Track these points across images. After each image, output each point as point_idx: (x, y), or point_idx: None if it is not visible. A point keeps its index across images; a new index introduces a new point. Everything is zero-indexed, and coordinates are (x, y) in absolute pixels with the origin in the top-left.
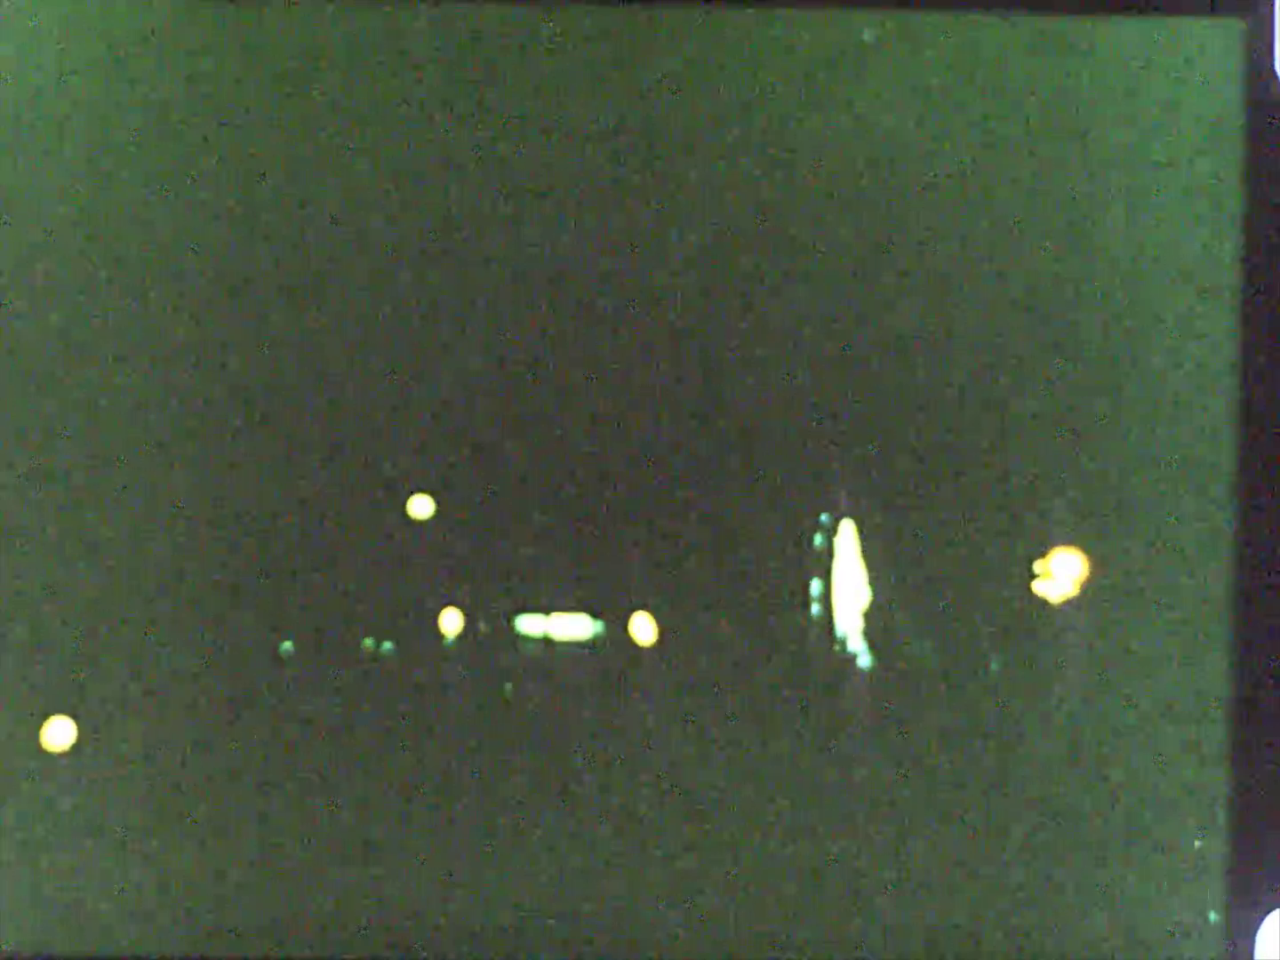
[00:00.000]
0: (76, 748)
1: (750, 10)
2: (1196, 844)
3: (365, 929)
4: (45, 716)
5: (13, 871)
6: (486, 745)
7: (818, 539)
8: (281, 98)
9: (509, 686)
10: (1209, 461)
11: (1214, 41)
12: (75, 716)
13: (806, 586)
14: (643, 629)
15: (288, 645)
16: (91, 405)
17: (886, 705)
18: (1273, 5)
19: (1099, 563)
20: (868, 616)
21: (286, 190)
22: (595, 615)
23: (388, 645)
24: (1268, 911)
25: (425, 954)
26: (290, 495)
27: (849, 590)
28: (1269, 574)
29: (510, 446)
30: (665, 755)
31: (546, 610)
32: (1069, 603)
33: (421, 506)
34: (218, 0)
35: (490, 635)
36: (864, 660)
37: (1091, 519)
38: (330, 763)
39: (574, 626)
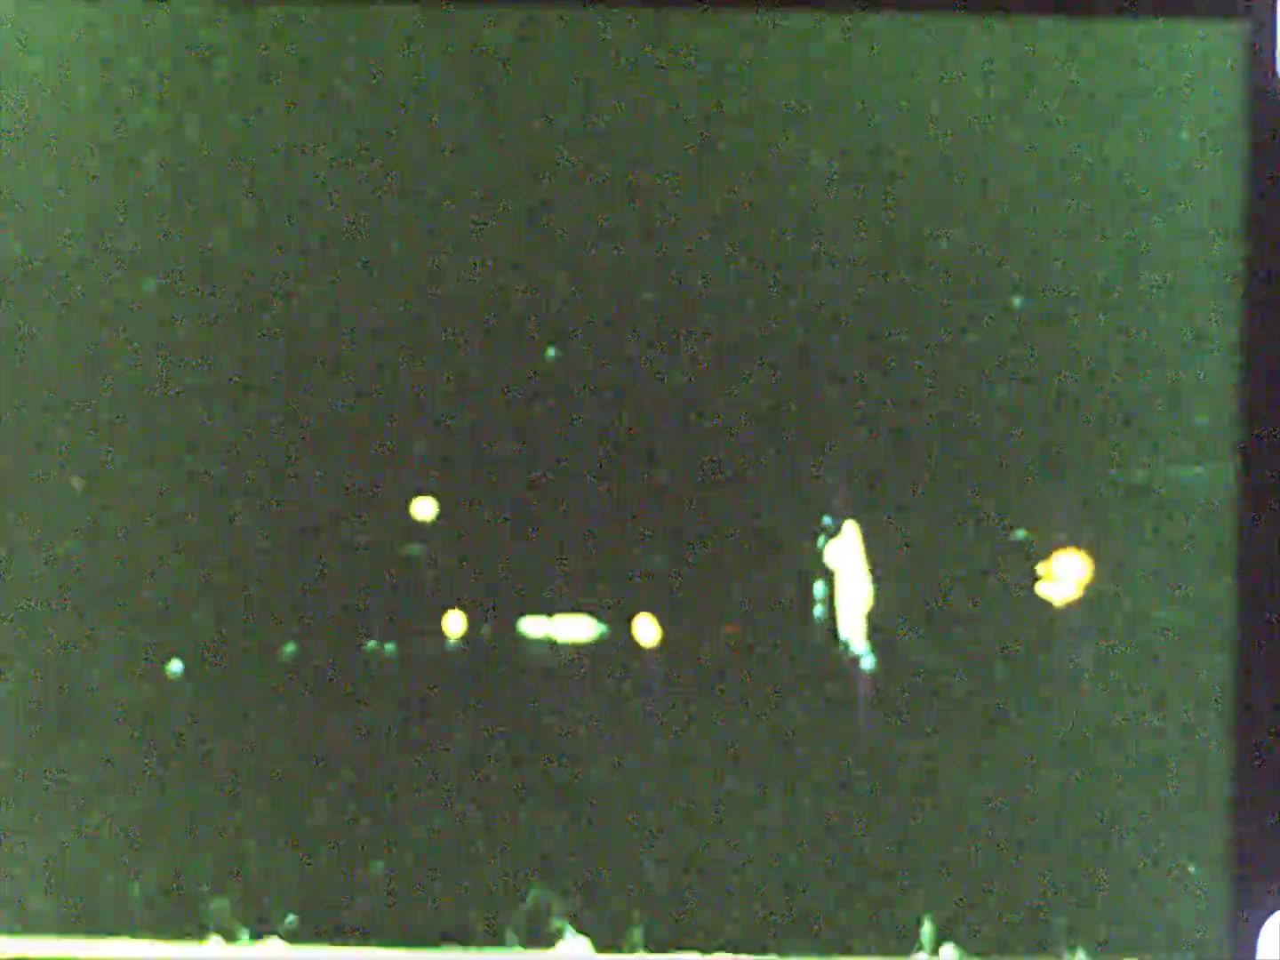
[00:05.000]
0: (77, 750)
1: (753, 14)
2: (1196, 845)
3: (367, 929)
4: (45, 722)
5: (13, 874)
6: (489, 746)
7: (820, 541)
8: (282, 100)
9: (512, 686)
10: (1211, 463)
11: (1216, 43)
12: (75, 721)
13: (809, 588)
14: (645, 631)
15: (290, 648)
16: (92, 411)
17: (888, 706)
18: (1274, 8)
19: (1100, 565)
20: (871, 618)
21: (289, 194)
22: (598, 617)
23: (390, 647)
24: (1269, 913)
25: (429, 951)
26: (293, 499)
27: (852, 591)
28: (1269, 575)
29: (513, 449)
30: (668, 754)
31: (550, 612)
32: (1070, 605)
33: (424, 508)
34: (219, 3)
35: (493, 636)
36: (866, 662)
37: (1093, 522)
38: (331, 763)
39: (577, 628)
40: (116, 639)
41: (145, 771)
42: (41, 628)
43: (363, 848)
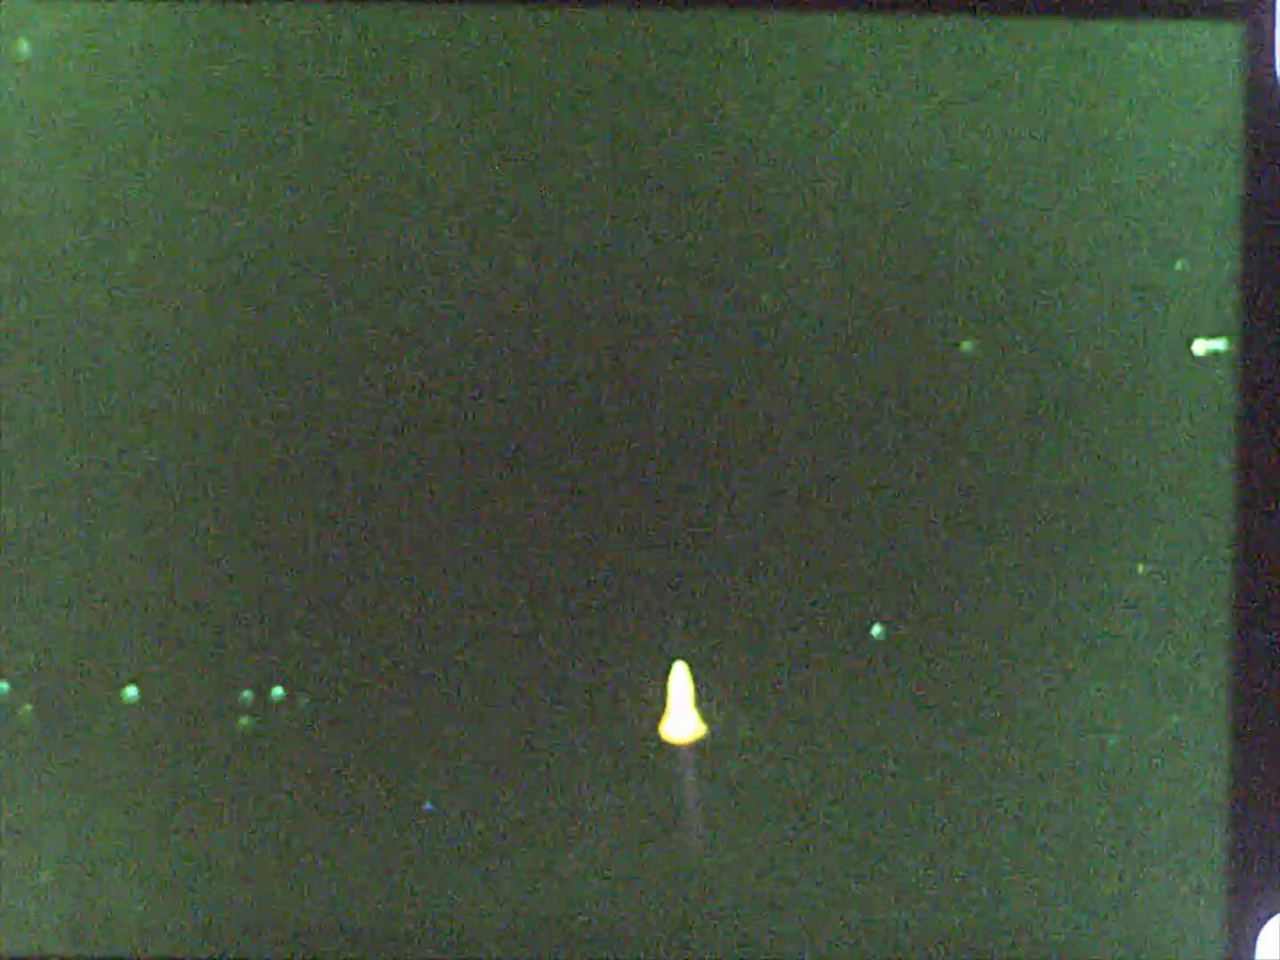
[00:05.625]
0: (77, 756)
1: (756, 15)
2: (1197, 847)
3: (370, 934)
4: (43, 726)
5: (13, 875)
6: (494, 753)
7: (828, 538)
8: (282, 100)
9: (514, 689)
10: (1209, 462)
11: (1215, 45)
12: (75, 726)
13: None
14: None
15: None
16: (89, 418)
17: (889, 707)
18: (1273, 9)
19: (1100, 566)
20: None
21: (290, 196)
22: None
23: (393, 648)
24: (1269, 915)
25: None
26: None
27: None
28: (1268, 575)
29: (525, 470)
30: (671, 761)
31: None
32: (1070, 606)
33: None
34: (220, 3)
35: (494, 638)
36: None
37: (1093, 522)
38: (335, 770)
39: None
40: (113, 640)
41: (145, 777)
42: (31, 635)
43: (361, 851)
